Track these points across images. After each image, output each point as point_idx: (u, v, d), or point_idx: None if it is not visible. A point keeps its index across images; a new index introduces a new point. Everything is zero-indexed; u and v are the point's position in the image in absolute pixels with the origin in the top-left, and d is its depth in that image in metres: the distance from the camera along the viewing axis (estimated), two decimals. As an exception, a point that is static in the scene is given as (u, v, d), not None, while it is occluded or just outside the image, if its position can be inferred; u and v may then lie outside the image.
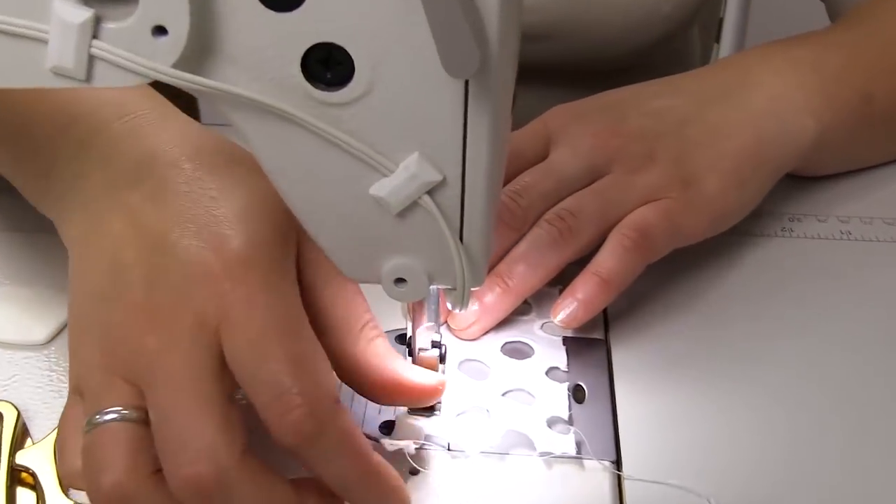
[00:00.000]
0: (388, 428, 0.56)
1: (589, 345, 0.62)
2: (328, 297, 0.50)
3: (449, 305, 0.50)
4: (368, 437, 0.55)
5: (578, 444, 0.54)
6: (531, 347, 0.62)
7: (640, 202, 0.63)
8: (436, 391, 0.53)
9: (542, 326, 0.63)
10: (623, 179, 0.64)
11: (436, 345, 0.54)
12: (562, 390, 0.58)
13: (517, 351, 0.61)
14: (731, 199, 0.66)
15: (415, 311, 0.52)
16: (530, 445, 0.54)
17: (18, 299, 0.63)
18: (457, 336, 0.61)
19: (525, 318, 0.64)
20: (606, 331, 0.63)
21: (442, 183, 0.43)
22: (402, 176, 0.43)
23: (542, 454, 0.54)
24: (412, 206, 0.44)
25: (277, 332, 0.45)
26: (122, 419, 0.45)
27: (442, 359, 0.54)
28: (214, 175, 0.49)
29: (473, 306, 0.61)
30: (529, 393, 0.58)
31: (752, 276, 0.68)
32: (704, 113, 0.68)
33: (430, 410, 0.56)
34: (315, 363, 0.46)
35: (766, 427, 0.57)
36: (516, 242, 0.62)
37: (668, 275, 0.66)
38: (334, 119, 0.42)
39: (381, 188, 0.43)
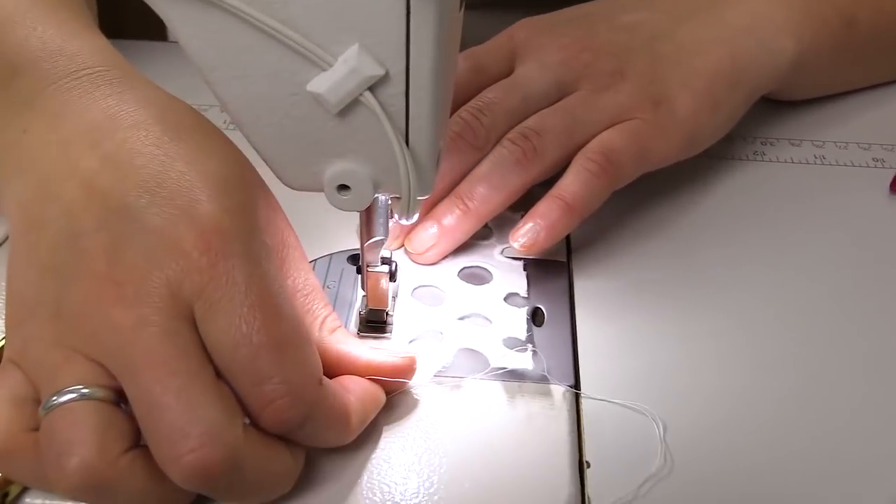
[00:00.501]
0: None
1: (550, 268, 0.60)
2: (290, 286, 0.47)
3: (396, 216, 0.47)
4: None
5: (535, 363, 0.52)
6: (490, 273, 0.59)
7: (608, 122, 0.60)
8: (410, 366, 0.50)
9: (502, 251, 0.60)
10: (591, 97, 0.61)
11: (385, 261, 0.51)
12: (520, 315, 0.56)
13: (475, 276, 0.59)
14: (704, 121, 0.63)
15: (364, 225, 0.50)
16: (485, 363, 0.52)
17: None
18: (414, 261, 0.59)
19: (485, 242, 0.61)
20: (569, 254, 0.61)
21: (384, 79, 0.40)
22: (342, 70, 0.40)
23: (497, 370, 0.52)
24: (353, 105, 0.41)
25: (258, 313, 0.41)
26: (85, 398, 0.41)
27: (392, 276, 0.52)
28: (186, 141, 0.45)
29: (432, 229, 0.58)
30: (486, 318, 0.56)
31: (722, 201, 0.66)
32: (678, 28, 0.65)
33: (381, 331, 0.54)
34: (297, 345, 0.43)
35: (727, 355, 0.54)
36: (478, 163, 0.59)
37: (634, 198, 0.64)
38: (266, 5, 0.39)
39: (320, 84, 0.40)
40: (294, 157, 0.44)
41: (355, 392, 0.47)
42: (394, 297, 0.55)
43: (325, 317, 0.48)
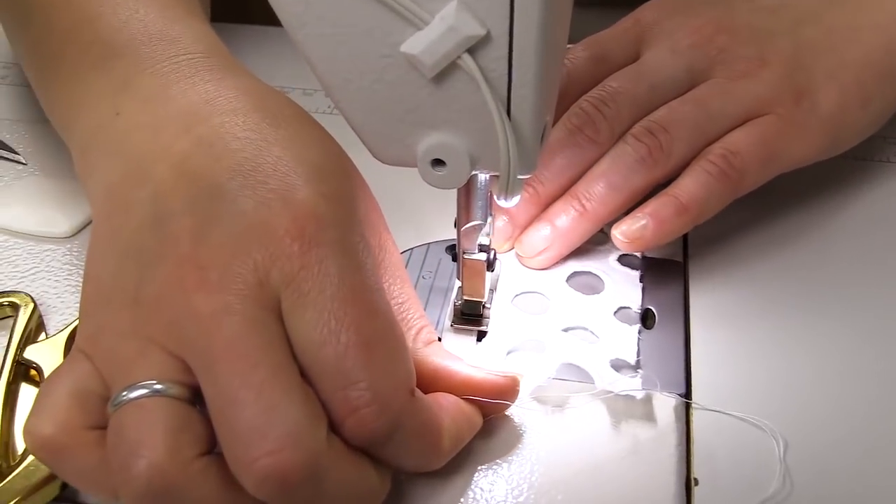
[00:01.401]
0: (427, 343, 0.50)
1: (664, 268, 0.55)
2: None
3: (495, 197, 0.43)
4: None
5: (649, 396, 0.47)
6: (601, 281, 0.54)
7: (744, 116, 0.54)
8: (512, 386, 0.45)
9: (618, 258, 0.55)
10: (726, 86, 0.55)
11: (483, 249, 0.47)
12: (631, 334, 0.50)
13: (585, 285, 0.54)
14: (850, 118, 0.56)
15: (461, 208, 0.46)
16: (588, 380, 0.47)
17: (45, 190, 0.59)
18: (525, 265, 0.54)
19: (600, 247, 0.56)
20: (686, 254, 0.56)
21: (485, 40, 0.37)
22: (438, 29, 0.36)
23: (603, 392, 0.46)
24: (450, 70, 0.38)
25: (350, 308, 0.38)
26: (159, 394, 0.37)
27: (490, 265, 0.48)
28: (284, 128, 0.42)
29: (544, 231, 0.53)
30: (593, 332, 0.50)
31: (857, 208, 0.60)
32: (827, 13, 0.58)
33: (476, 324, 0.50)
34: (391, 347, 0.39)
35: (856, 372, 0.49)
36: (598, 159, 0.54)
37: (760, 196, 0.58)
38: (358, -45, 0.36)
39: (415, 44, 0.37)
40: (386, 127, 0.41)
41: (450, 411, 0.43)
42: (492, 290, 0.51)
43: (421, 328, 0.45)
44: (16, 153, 0.62)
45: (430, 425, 0.41)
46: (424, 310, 0.51)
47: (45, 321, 0.52)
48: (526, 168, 0.41)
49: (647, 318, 0.52)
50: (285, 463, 0.35)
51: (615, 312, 0.51)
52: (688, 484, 0.44)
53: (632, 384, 0.47)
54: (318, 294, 0.38)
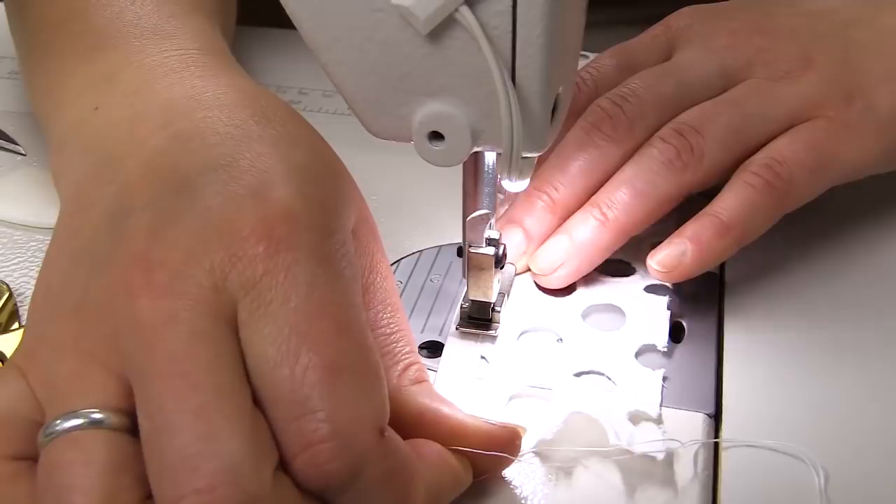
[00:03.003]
0: (432, 350, 0.46)
1: (698, 278, 0.49)
2: (369, 320, 0.38)
3: (500, 179, 0.38)
4: None
5: (670, 452, 0.40)
6: (623, 314, 0.47)
7: (787, 120, 0.49)
8: (512, 438, 0.39)
9: (644, 288, 0.48)
10: (766, 87, 0.50)
11: (491, 242, 0.43)
12: (654, 380, 0.43)
13: (604, 321, 0.47)
14: None
15: (466, 195, 0.42)
16: (601, 435, 0.40)
17: (42, 181, 0.56)
18: (540, 283, 0.48)
19: (625, 279, 0.49)
20: (722, 266, 0.51)
21: (485, -10, 0.33)
22: (432, -24, 0.33)
23: (619, 452, 0.40)
24: (448, 25, 0.34)
25: (316, 324, 0.32)
26: (97, 426, 0.32)
27: (498, 261, 0.43)
28: (272, 126, 0.38)
29: (562, 243, 0.47)
30: (610, 378, 0.44)
31: None
32: (879, 15, 0.53)
33: (485, 328, 0.45)
34: (360, 375, 0.33)
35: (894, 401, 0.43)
36: (620, 164, 0.48)
37: (809, 211, 0.53)
38: None
39: (406, -6, 0.33)
40: (378, 94, 0.37)
41: (430, 460, 0.37)
42: (503, 294, 0.46)
43: (411, 364, 0.39)
44: (16, 143, 0.60)
45: (400, 474, 0.34)
46: (428, 315, 0.47)
47: (23, 312, 0.48)
48: (534, 144, 0.36)
49: (676, 331, 0.46)
50: (214, 503, 0.30)
51: (637, 354, 0.45)
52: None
53: (652, 443, 0.40)
54: (280, 305, 0.32)
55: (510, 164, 0.36)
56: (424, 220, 0.53)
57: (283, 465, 0.32)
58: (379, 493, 0.33)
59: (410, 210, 0.54)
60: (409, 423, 0.37)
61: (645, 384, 0.43)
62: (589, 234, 0.47)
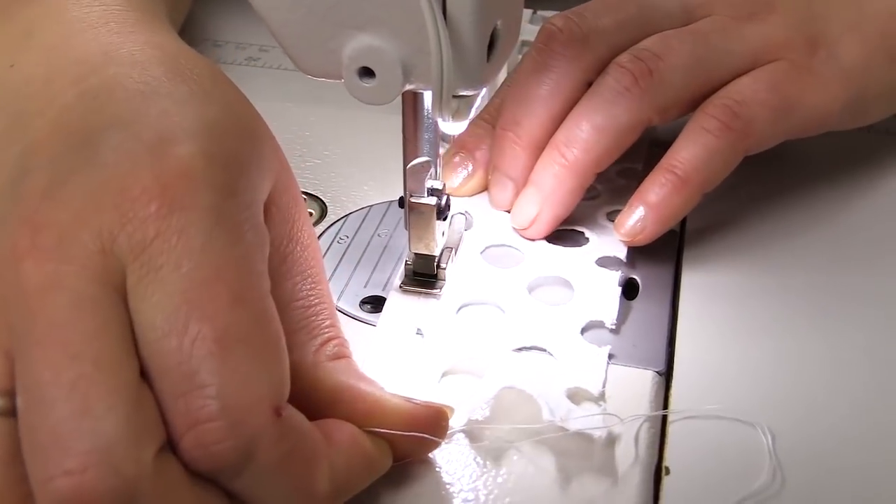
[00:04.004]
0: (374, 305, 0.44)
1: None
2: (286, 291, 0.36)
3: (433, 114, 0.37)
4: (345, 313, 0.43)
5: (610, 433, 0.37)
6: (572, 288, 0.44)
7: (751, 58, 0.47)
8: (438, 419, 0.36)
9: (596, 261, 0.46)
10: (731, 24, 0.47)
11: (433, 192, 0.41)
12: (600, 357, 0.40)
13: (552, 292, 0.44)
14: (878, 73, 0.49)
15: (407, 141, 0.40)
16: (536, 411, 0.37)
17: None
18: (525, 236, 0.46)
19: (577, 249, 0.46)
20: (683, 225, 0.49)
21: (410, -90, 0.31)
22: None
23: (552, 430, 0.37)
24: (374, -49, 0.32)
25: (209, 291, 0.30)
26: None
27: (440, 212, 0.41)
28: (186, 84, 0.35)
29: (532, 196, 0.46)
30: (551, 354, 0.40)
31: (880, 191, 0.52)
32: None
33: (429, 287, 0.43)
34: (256, 348, 0.31)
35: (848, 374, 0.41)
36: (582, 85, 0.46)
37: (772, 168, 0.51)
38: None
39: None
40: (306, 27, 0.35)
41: (340, 444, 0.34)
42: (450, 248, 0.44)
43: (329, 339, 0.37)
44: None
45: (299, 458, 0.32)
46: (373, 270, 0.46)
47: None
48: (467, 81, 0.35)
49: (629, 289, 0.45)
50: (86, 487, 0.27)
51: (583, 330, 0.42)
52: (658, 473, 0.37)
53: (589, 419, 0.37)
54: (171, 270, 0.30)
55: (441, 102, 0.34)
56: (378, 176, 0.52)
57: (172, 446, 0.30)
58: (275, 478, 0.31)
59: (365, 165, 0.53)
60: (324, 401, 0.35)
61: (589, 361, 0.40)
62: (553, 180, 0.45)
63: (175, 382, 0.29)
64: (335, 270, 0.46)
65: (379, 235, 0.48)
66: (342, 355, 0.37)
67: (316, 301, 0.37)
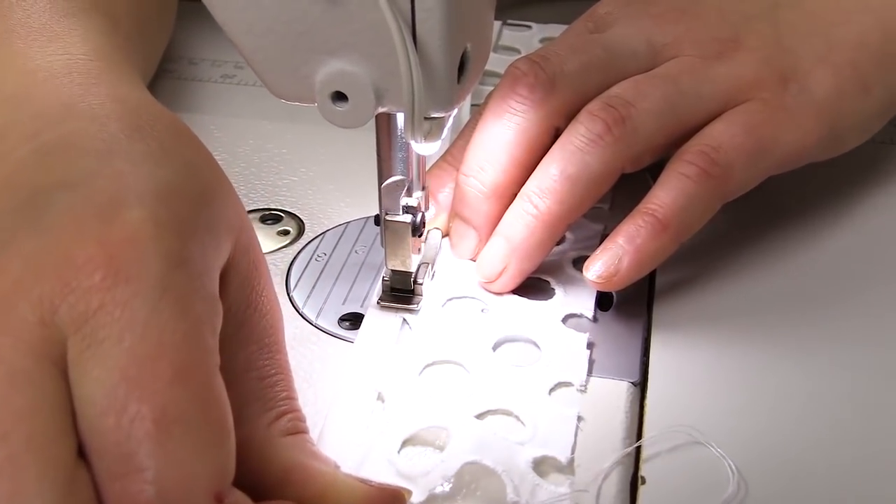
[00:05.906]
0: (353, 322, 0.44)
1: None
2: (241, 361, 0.35)
3: (406, 136, 0.37)
4: (324, 330, 0.44)
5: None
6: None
7: (723, 99, 0.46)
8: (392, 502, 0.34)
9: (563, 318, 0.44)
10: (699, 65, 0.47)
11: (409, 210, 0.42)
12: (569, 420, 0.39)
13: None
14: (851, 105, 0.48)
15: (381, 161, 0.41)
16: (500, 489, 0.36)
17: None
18: (490, 290, 0.45)
19: (543, 303, 0.45)
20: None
21: (378, -61, 0.32)
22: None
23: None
24: (344, -22, 0.33)
25: (150, 368, 0.29)
26: None
27: (415, 230, 0.42)
28: (144, 142, 0.34)
29: (498, 247, 0.44)
30: (518, 418, 0.39)
31: (856, 216, 0.52)
32: None
33: (406, 302, 0.44)
34: (198, 429, 0.29)
35: (831, 400, 0.41)
36: (547, 126, 0.45)
37: (749, 196, 0.49)
38: None
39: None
40: (278, 53, 0.35)
41: None
42: (427, 264, 0.45)
43: (284, 412, 0.35)
44: None
45: None
46: (351, 287, 0.46)
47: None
48: (438, 103, 0.35)
49: (603, 300, 0.45)
50: None
51: (550, 390, 0.41)
52: (634, 482, 0.37)
53: (559, 497, 0.35)
54: (112, 344, 0.29)
55: (413, 124, 0.35)
56: (355, 192, 0.52)
57: None
58: None
59: (342, 182, 0.53)
60: (274, 480, 0.34)
61: (559, 427, 0.38)
62: (524, 232, 0.44)
63: (112, 463, 0.28)
64: (313, 288, 0.46)
65: (356, 252, 0.48)
66: (297, 430, 0.35)
67: (273, 371, 0.35)
